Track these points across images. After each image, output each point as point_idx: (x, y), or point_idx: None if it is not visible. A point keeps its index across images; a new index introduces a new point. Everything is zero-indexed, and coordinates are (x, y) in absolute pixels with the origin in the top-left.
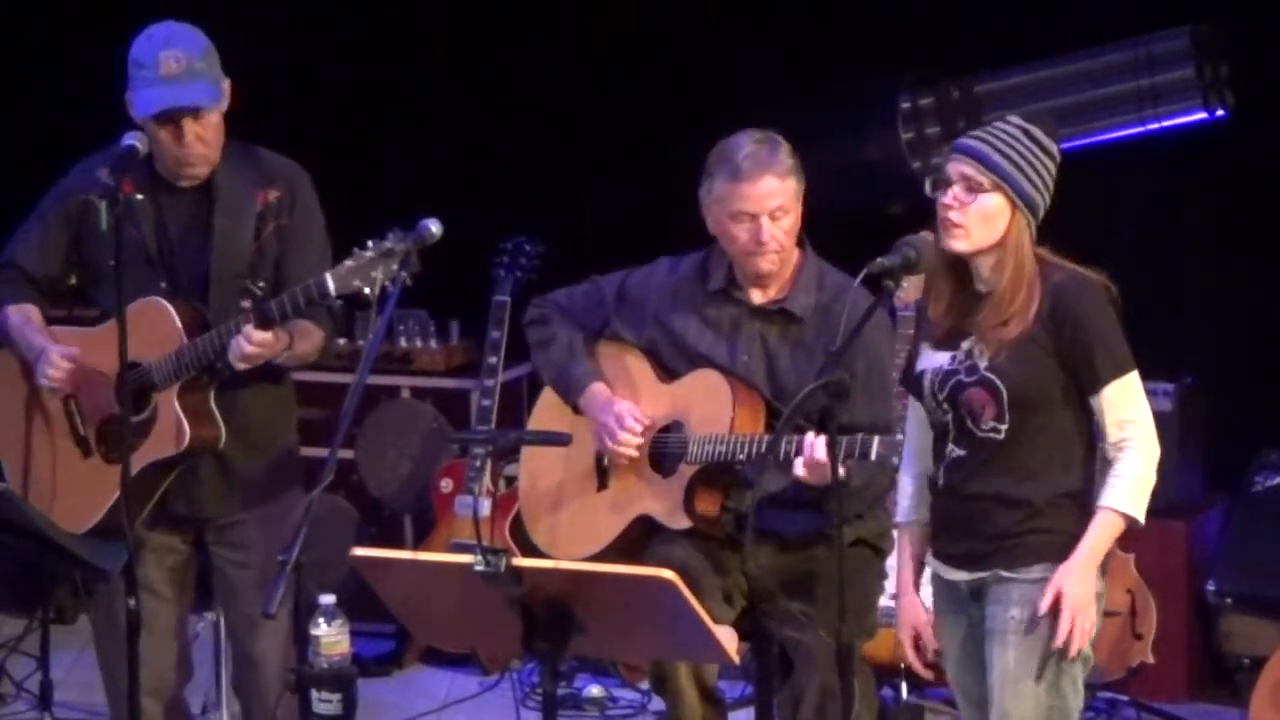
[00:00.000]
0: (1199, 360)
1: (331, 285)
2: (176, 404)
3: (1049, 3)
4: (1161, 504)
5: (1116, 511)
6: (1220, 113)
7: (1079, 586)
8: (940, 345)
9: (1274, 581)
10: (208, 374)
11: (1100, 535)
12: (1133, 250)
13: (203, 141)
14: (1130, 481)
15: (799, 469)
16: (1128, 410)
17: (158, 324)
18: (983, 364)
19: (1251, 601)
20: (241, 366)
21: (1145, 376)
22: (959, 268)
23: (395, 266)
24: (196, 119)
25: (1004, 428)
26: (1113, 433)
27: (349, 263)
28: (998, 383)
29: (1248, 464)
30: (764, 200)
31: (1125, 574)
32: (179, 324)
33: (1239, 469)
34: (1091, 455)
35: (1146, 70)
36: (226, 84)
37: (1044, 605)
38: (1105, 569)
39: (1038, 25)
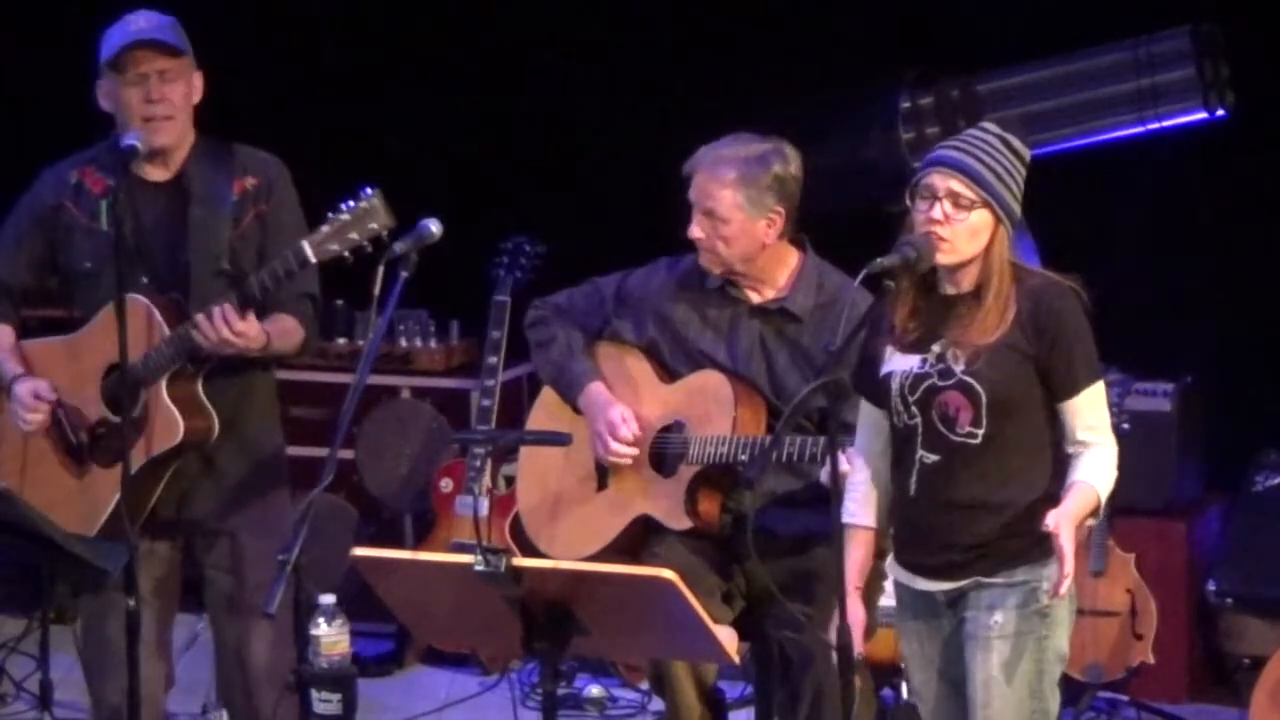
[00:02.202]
0: (1199, 360)
1: (310, 252)
2: (166, 396)
3: (1049, 3)
4: (1161, 504)
5: (1093, 485)
6: (1220, 113)
7: (1071, 532)
8: (908, 349)
9: (1274, 581)
10: (193, 364)
11: (1081, 499)
12: (1133, 250)
13: (169, 102)
14: (1104, 468)
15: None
16: (1096, 416)
17: (137, 320)
18: (959, 368)
19: (1251, 601)
20: (222, 350)
21: (1145, 376)
22: (922, 271)
23: (373, 225)
24: (163, 77)
25: (980, 432)
26: (1082, 437)
27: (325, 228)
28: (977, 386)
29: (1248, 464)
30: (699, 196)
31: (1125, 574)
32: (159, 317)
33: (1239, 469)
34: (1062, 457)
35: (1146, 70)
36: (197, 75)
37: (1050, 522)
38: (1107, 569)
39: (1038, 25)
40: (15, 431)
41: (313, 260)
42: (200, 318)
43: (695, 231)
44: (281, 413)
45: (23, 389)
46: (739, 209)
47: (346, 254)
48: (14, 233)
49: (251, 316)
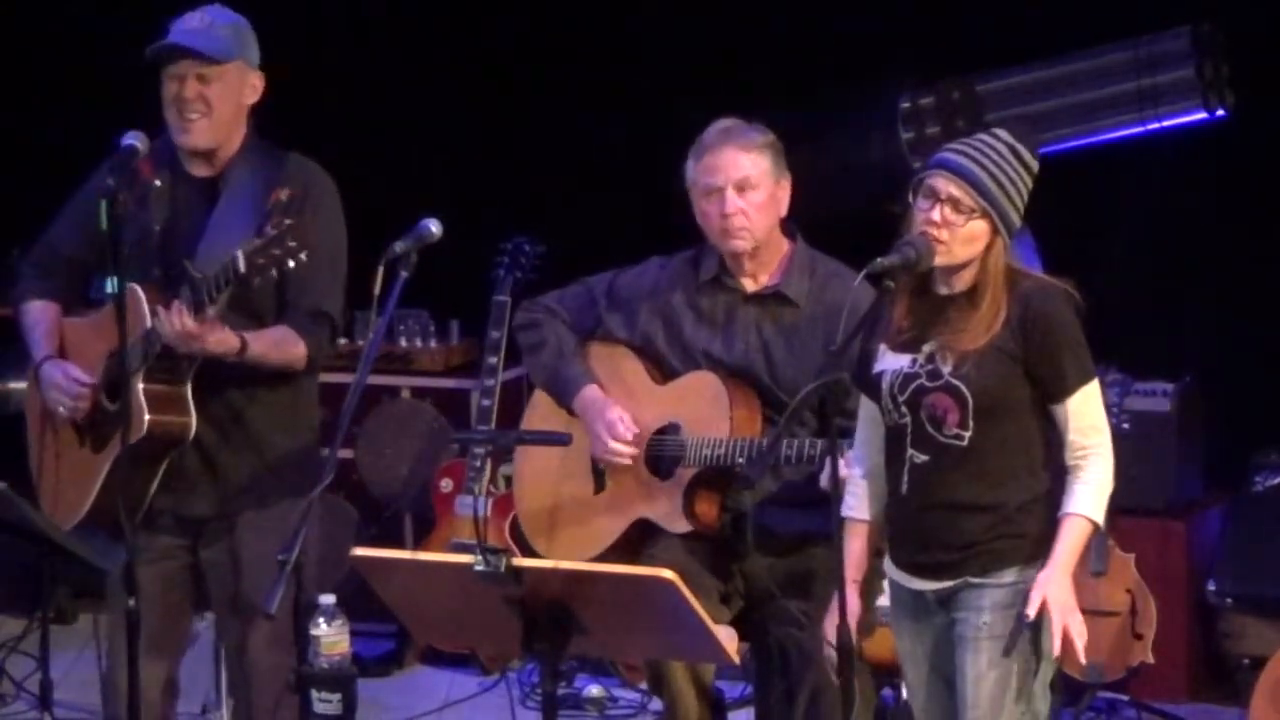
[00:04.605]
0: (1199, 360)
1: (242, 263)
2: (140, 390)
3: (1049, 3)
4: (1161, 504)
5: (1086, 518)
6: (1220, 113)
7: (1062, 591)
8: (900, 348)
9: (1274, 581)
10: (184, 361)
11: (1073, 540)
12: (1133, 250)
13: (204, 101)
14: (1097, 488)
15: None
16: (1091, 418)
17: (133, 311)
18: (946, 370)
19: (1251, 601)
20: (185, 348)
21: (1145, 376)
22: (919, 272)
23: (293, 243)
24: (201, 79)
25: (967, 434)
26: (1077, 440)
27: (257, 241)
28: (963, 389)
29: (1248, 464)
30: (728, 171)
31: (1125, 574)
32: (146, 310)
33: (1239, 469)
34: (1053, 457)
35: (1147, 70)
36: (255, 76)
37: (1031, 611)
38: (1107, 569)
39: (1038, 25)
40: (38, 402)
41: (242, 270)
42: (160, 310)
43: (732, 205)
44: None
45: (56, 372)
46: (768, 174)
47: (275, 271)
48: (75, 203)
49: (214, 319)
